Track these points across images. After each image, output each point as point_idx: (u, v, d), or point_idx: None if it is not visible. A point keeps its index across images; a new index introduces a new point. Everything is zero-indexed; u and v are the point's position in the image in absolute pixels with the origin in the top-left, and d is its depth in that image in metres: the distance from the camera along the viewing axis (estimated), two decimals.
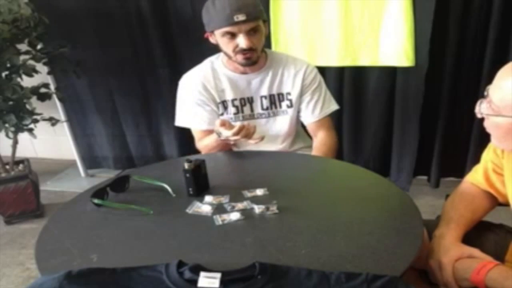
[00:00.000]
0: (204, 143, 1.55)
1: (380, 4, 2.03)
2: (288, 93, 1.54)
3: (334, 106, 1.61)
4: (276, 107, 1.55)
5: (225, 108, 1.54)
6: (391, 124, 2.36)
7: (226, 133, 1.35)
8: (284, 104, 1.55)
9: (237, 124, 1.35)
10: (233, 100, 1.53)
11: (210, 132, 1.53)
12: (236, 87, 1.53)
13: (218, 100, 1.53)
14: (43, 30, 2.23)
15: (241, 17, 1.33)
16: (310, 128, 1.60)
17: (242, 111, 1.55)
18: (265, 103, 1.54)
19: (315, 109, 1.56)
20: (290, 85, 1.53)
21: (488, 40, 2.02)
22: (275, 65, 1.53)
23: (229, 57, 1.45)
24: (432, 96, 2.21)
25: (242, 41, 1.38)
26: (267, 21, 1.47)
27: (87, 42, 2.56)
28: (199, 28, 2.36)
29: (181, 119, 1.60)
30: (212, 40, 1.47)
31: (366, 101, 2.35)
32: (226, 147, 1.52)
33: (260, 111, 1.55)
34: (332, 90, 2.27)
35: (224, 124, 1.37)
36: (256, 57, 1.44)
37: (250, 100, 1.54)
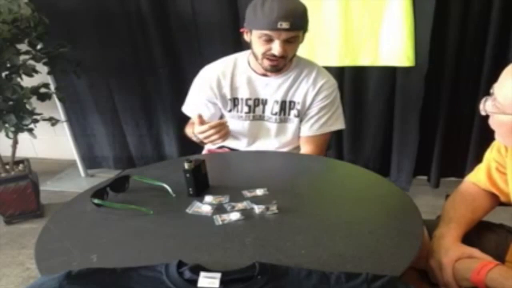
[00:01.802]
0: (189, 131, 1.57)
1: (380, 4, 2.03)
2: (298, 103, 1.52)
3: (336, 126, 1.56)
4: (285, 114, 1.54)
5: (235, 105, 1.55)
6: (391, 124, 2.36)
7: (197, 129, 1.39)
8: (293, 112, 1.53)
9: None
10: (247, 100, 1.53)
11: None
12: (253, 87, 1.52)
13: (229, 97, 1.54)
14: (43, 30, 2.23)
15: (284, 25, 1.32)
16: (301, 139, 1.58)
17: (254, 111, 1.55)
18: (276, 108, 1.52)
19: (314, 125, 1.53)
20: (303, 95, 1.51)
21: (488, 40, 2.03)
22: (297, 72, 1.51)
23: (256, 58, 1.44)
24: (432, 96, 2.21)
25: (276, 47, 1.36)
26: (307, 31, 1.44)
27: (87, 42, 2.56)
28: (199, 28, 2.40)
29: (187, 107, 1.64)
30: (246, 37, 1.46)
31: (366, 101, 2.35)
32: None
33: (269, 114, 1.54)
34: None
35: (200, 119, 1.39)
36: (283, 65, 1.44)
37: (264, 102, 1.53)
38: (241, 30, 1.48)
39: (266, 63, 1.42)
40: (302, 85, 1.51)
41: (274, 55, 1.39)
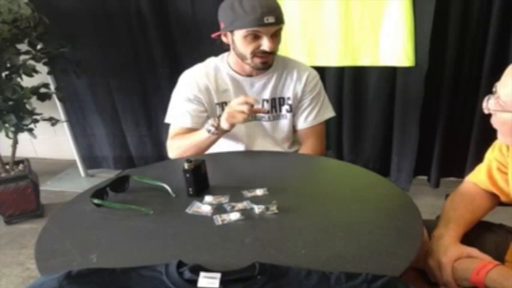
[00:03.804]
0: (188, 141, 1.49)
1: (380, 4, 2.03)
2: (288, 98, 1.52)
3: (329, 114, 1.57)
4: (276, 111, 1.54)
5: (223, 110, 1.52)
6: (391, 124, 2.36)
7: (234, 101, 1.34)
8: (284, 108, 1.54)
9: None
10: None
11: (191, 130, 1.50)
12: (240, 89, 1.51)
13: (215, 101, 1.51)
14: (43, 30, 2.23)
15: (271, 19, 1.32)
16: (300, 134, 1.58)
17: None
18: (267, 106, 1.52)
19: (309, 116, 1.54)
20: (292, 90, 1.51)
21: (488, 40, 2.03)
22: (279, 69, 1.51)
23: (244, 58, 1.42)
24: (432, 96, 2.21)
25: (266, 43, 1.36)
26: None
27: (87, 42, 2.57)
28: (199, 28, 2.40)
29: (173, 118, 1.58)
30: (225, 39, 1.44)
31: (366, 101, 2.35)
32: (208, 147, 1.48)
33: (261, 113, 1.53)
34: (332, 90, 2.29)
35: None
36: (272, 60, 1.44)
37: None
38: (214, 35, 1.45)
39: (257, 61, 1.41)
40: (288, 81, 1.52)
41: (264, 51, 1.38)
